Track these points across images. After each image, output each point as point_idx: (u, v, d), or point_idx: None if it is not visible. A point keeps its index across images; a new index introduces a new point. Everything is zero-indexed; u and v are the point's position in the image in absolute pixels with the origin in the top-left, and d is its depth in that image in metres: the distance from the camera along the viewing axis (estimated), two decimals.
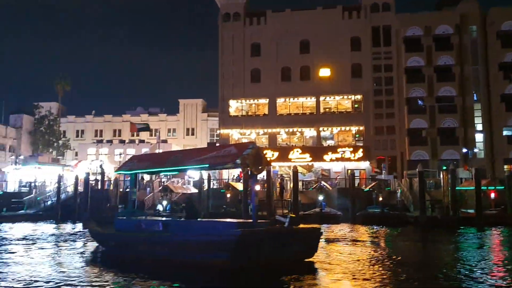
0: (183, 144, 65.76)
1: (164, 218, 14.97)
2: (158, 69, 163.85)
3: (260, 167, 12.70)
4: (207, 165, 13.18)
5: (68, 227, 30.45)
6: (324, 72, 46.64)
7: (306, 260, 12.88)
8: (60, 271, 12.96)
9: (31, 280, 11.54)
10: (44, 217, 36.70)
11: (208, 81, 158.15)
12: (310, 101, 47.16)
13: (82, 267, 13.92)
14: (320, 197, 31.14)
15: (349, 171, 42.38)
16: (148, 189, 39.35)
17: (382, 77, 47.45)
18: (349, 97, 46.86)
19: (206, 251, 11.56)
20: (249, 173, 12.70)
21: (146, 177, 39.46)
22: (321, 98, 46.65)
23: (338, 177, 41.25)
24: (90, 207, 34.37)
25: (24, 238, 22.49)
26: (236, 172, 38.82)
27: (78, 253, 17.48)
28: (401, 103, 47.34)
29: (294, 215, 12.60)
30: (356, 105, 47.32)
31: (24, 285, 10.87)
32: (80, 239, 22.62)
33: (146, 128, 48.92)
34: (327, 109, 47.53)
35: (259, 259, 11.36)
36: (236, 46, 48.85)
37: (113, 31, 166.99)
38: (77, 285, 10.81)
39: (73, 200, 38.10)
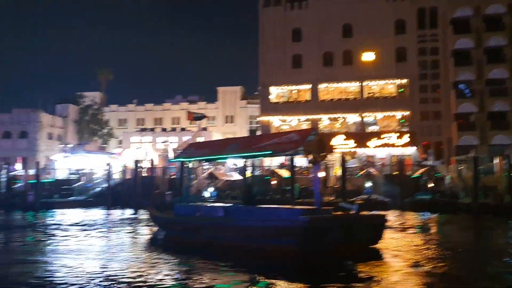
0: (223, 131, 66.22)
1: (223, 204, 15.12)
2: (196, 57, 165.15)
3: (323, 154, 12.56)
4: (269, 152, 13.17)
5: (118, 213, 31.35)
6: (368, 56, 45.60)
7: (371, 247, 12.75)
8: (128, 254, 13.40)
9: (101, 262, 11.95)
10: (94, 203, 37.86)
11: (246, 68, 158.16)
12: (353, 86, 46.32)
13: (147, 250, 14.27)
14: (368, 184, 30.66)
15: (394, 157, 41.67)
16: (192, 176, 39.87)
17: (428, 61, 46.05)
18: (394, 81, 45.71)
19: (274, 237, 11.58)
20: (312, 160, 12.56)
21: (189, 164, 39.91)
22: (365, 83, 45.72)
23: (381, 163, 40.51)
24: (138, 193, 35.14)
25: (83, 223, 23.27)
26: (280, 159, 38.67)
27: (140, 237, 17.98)
28: (448, 87, 45.82)
29: (361, 202, 12.41)
30: (400, 90, 46.13)
31: (95, 267, 11.25)
32: (136, 224, 23.22)
33: (202, 117, 49.83)
34: (371, 94, 46.58)
35: (327, 246, 11.29)
36: (277, 31, 48.36)
37: (150, 19, 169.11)
38: (146, 268, 11.09)
39: (121, 187, 39.12)
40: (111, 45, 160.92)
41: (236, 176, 37.73)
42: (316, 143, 12.21)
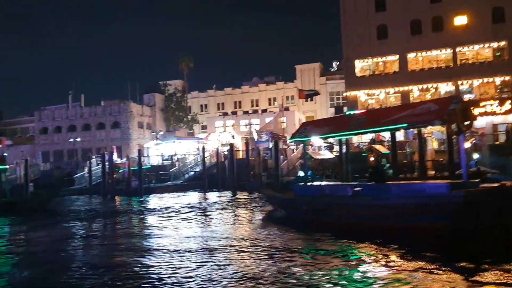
0: (303, 110, 65.67)
1: (350, 183, 14.77)
2: (269, 37, 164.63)
3: (468, 123, 11.77)
4: (404, 125, 12.59)
5: (216, 195, 32.12)
6: (460, 20, 42.45)
7: None
8: (258, 232, 13.57)
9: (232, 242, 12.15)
10: (191, 187, 39.26)
11: (321, 44, 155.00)
12: (444, 53, 43.50)
13: (275, 229, 14.32)
14: (476, 156, 28.80)
15: (495, 126, 38.85)
16: (281, 156, 39.85)
17: None
18: (491, 45, 42.31)
19: (421, 214, 11.05)
20: (457, 130, 11.82)
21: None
22: (458, 49, 42.78)
23: (480, 133, 37.90)
24: (234, 175, 35.82)
25: (190, 206, 24.08)
26: (369, 135, 37.36)
27: (257, 217, 18.20)
28: None
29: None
30: (498, 53, 42.66)
31: (226, 246, 11.43)
32: (243, 205, 23.66)
33: (314, 93, 49.86)
34: (464, 61, 43.55)
35: (483, 221, 10.56)
36: (359, 2, 46.46)
37: (224, 2, 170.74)
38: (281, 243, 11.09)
39: (214, 170, 40.13)
40: (189, 32, 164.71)
41: (329, 155, 37.15)
42: (460, 112, 11.45)
